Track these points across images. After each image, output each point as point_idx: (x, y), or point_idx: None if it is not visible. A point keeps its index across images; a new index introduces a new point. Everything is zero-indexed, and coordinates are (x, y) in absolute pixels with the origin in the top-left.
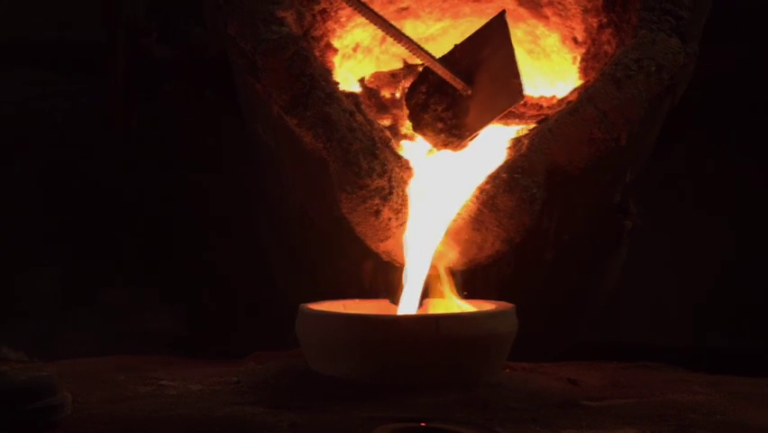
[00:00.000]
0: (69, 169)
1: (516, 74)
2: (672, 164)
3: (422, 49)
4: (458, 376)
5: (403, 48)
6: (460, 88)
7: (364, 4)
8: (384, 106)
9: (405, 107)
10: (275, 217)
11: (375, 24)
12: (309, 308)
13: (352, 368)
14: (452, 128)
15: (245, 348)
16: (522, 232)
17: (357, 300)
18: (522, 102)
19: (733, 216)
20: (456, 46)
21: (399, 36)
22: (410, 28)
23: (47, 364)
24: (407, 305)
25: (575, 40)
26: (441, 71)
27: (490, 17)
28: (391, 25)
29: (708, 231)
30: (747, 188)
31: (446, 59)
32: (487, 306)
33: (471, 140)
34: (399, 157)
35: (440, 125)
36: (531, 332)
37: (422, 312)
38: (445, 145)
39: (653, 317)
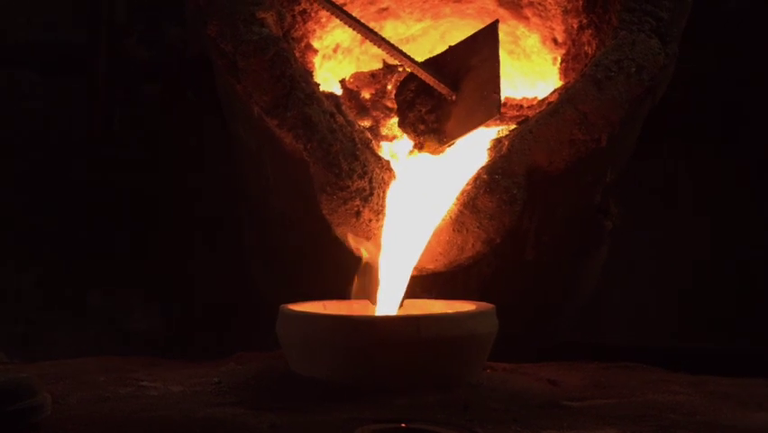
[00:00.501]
0: (51, 169)
1: (496, 89)
2: (651, 165)
3: (404, 54)
4: (438, 377)
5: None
6: (445, 94)
7: (347, 13)
8: (364, 108)
9: (394, 102)
10: (256, 218)
11: (356, 31)
12: (290, 309)
13: (333, 369)
14: (432, 132)
15: (227, 349)
16: (502, 233)
17: (338, 301)
18: (497, 117)
19: (713, 217)
20: (450, 48)
21: (381, 41)
22: (390, 28)
23: (27, 365)
24: (386, 306)
25: (555, 40)
26: (424, 76)
27: (471, 17)
28: (373, 31)
29: (688, 231)
30: (726, 189)
31: (438, 60)
32: (467, 306)
33: (449, 146)
34: (380, 158)
35: (421, 127)
36: (511, 332)
37: (402, 313)
38: (423, 148)
39: (634, 318)
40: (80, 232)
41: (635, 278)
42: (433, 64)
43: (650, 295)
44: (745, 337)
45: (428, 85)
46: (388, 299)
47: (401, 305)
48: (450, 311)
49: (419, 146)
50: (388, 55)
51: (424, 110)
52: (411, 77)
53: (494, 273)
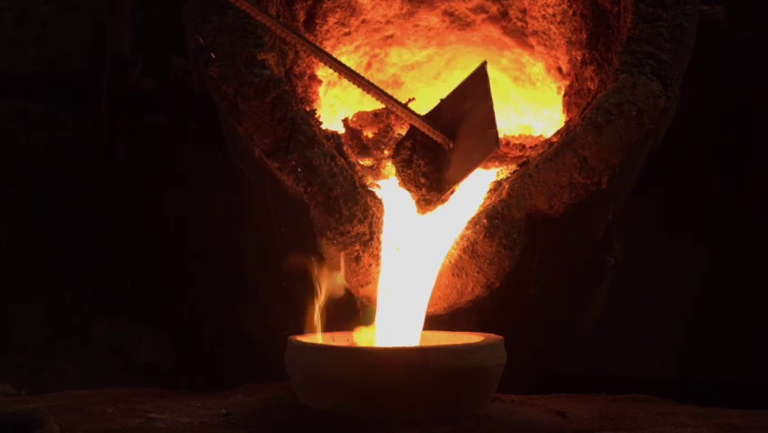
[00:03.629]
0: (57, 200)
1: (492, 124)
2: (657, 198)
3: (402, 105)
4: (446, 409)
5: (383, 104)
6: (441, 142)
7: (350, 70)
8: (366, 147)
9: (392, 164)
10: (260, 248)
11: (355, 84)
12: (298, 341)
13: (341, 401)
14: (434, 183)
15: (235, 380)
16: (502, 277)
17: (346, 333)
18: (496, 151)
19: (718, 248)
20: (442, 100)
21: (381, 95)
22: (395, 55)
23: (35, 397)
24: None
25: (560, 69)
26: (420, 125)
27: (476, 45)
28: (375, 86)
29: (694, 262)
30: (733, 222)
31: (432, 115)
32: (475, 338)
33: (451, 194)
34: (380, 201)
35: (422, 180)
36: (513, 364)
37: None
38: (427, 203)
39: (642, 350)
40: (87, 262)
41: (642, 310)
42: (428, 119)
43: (657, 327)
44: (754, 369)
45: (424, 141)
46: (393, 337)
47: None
48: (458, 343)
49: (422, 202)
50: (382, 104)
51: (423, 163)
52: (407, 136)
53: (496, 308)
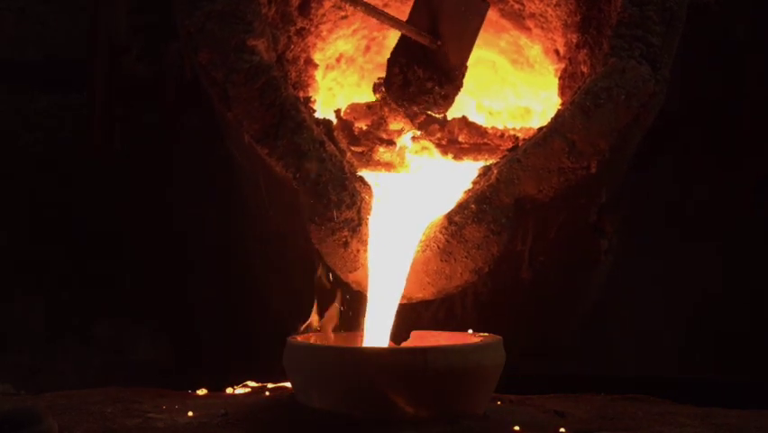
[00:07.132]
0: (56, 200)
1: None
2: (658, 190)
3: (382, 13)
4: (445, 408)
5: (367, 16)
6: (428, 43)
7: None
8: (356, 138)
9: (389, 133)
10: (258, 233)
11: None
12: (297, 341)
13: (340, 400)
14: (442, 79)
15: (234, 380)
16: (490, 262)
17: (344, 333)
18: (488, 7)
19: (721, 246)
20: (413, 7)
21: (361, 5)
22: (394, 38)
23: (34, 397)
24: (375, 335)
25: (557, 52)
26: (405, 30)
27: None
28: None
29: (697, 260)
30: (734, 214)
31: (409, 23)
32: (474, 338)
33: (463, 76)
34: (369, 187)
35: (429, 85)
36: (512, 356)
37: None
38: (445, 99)
39: (641, 350)
40: (86, 262)
41: (640, 309)
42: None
43: (656, 327)
44: (753, 369)
45: (411, 56)
46: (377, 328)
47: (406, 336)
48: (457, 343)
49: (440, 101)
50: (368, 15)
51: (420, 72)
52: (390, 66)
53: (491, 293)
